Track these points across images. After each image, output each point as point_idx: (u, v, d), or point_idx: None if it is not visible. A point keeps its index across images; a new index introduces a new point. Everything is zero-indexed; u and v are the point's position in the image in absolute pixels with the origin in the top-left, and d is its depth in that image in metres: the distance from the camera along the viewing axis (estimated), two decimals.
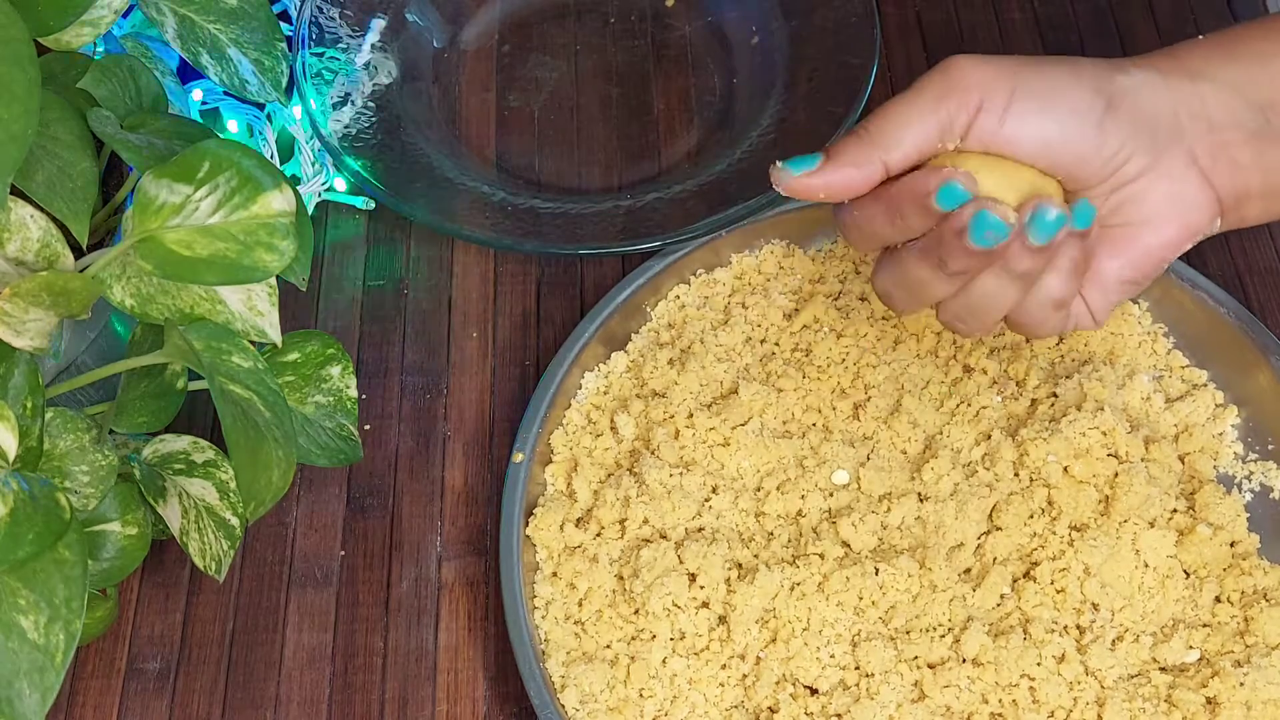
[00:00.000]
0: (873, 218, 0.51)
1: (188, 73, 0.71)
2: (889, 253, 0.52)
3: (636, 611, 0.57)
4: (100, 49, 0.63)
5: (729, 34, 0.78)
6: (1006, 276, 0.49)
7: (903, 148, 0.49)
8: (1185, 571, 0.58)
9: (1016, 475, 0.60)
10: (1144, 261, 0.52)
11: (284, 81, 0.59)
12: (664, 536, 0.59)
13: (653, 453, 0.61)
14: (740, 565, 0.58)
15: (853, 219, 0.52)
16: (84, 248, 0.50)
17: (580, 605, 0.58)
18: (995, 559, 0.58)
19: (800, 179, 0.51)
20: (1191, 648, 0.56)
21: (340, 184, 0.73)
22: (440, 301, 0.70)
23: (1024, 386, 0.63)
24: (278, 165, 0.67)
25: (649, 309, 0.67)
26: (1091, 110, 0.49)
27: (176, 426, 0.56)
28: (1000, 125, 0.49)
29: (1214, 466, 0.61)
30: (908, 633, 0.56)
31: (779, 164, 0.51)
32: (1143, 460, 0.60)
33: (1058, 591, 0.57)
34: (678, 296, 0.67)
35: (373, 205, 0.73)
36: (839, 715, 0.55)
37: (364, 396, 0.67)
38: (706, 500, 0.60)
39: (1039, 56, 0.51)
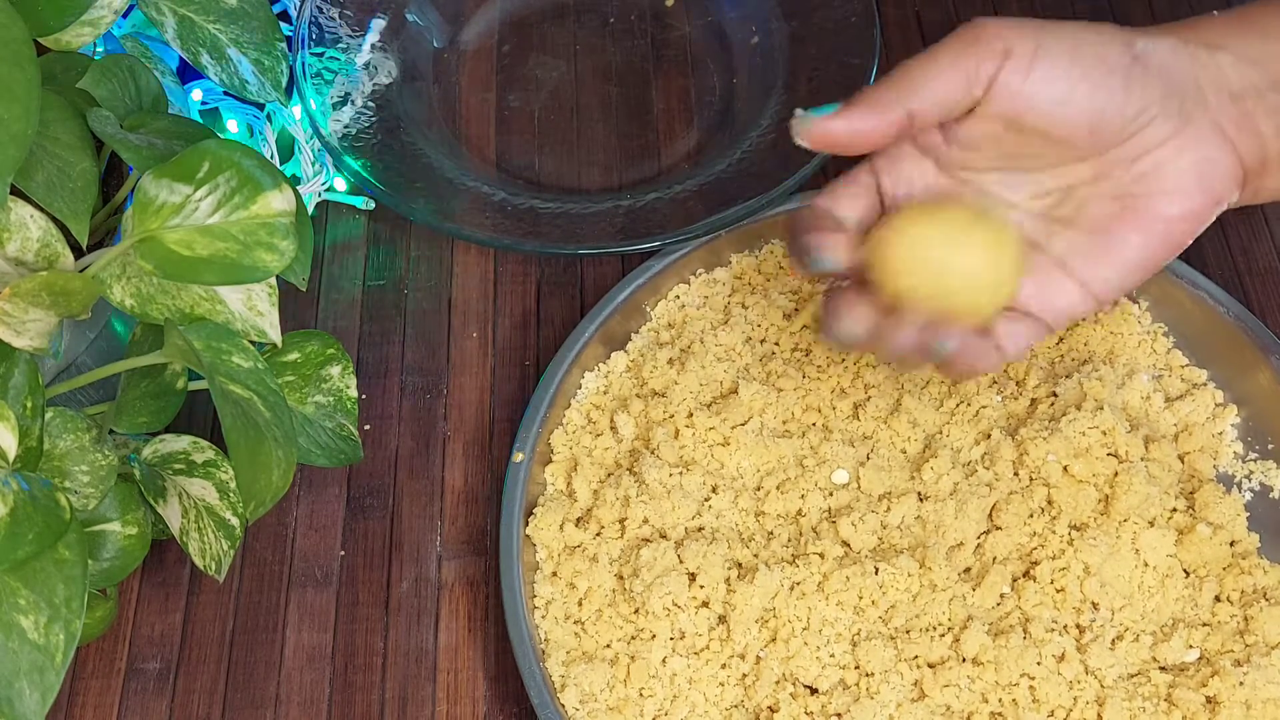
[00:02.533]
0: (864, 342, 0.53)
1: (188, 73, 0.71)
2: (832, 302, 0.54)
3: (636, 611, 0.57)
4: (100, 49, 0.63)
5: (729, 34, 0.78)
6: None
7: (927, 96, 0.49)
8: (1185, 571, 0.58)
9: (1016, 475, 0.60)
10: (1168, 234, 0.51)
11: (284, 81, 0.59)
12: (664, 536, 0.59)
13: (653, 452, 0.61)
14: (740, 565, 0.58)
15: (841, 335, 0.54)
16: (84, 248, 0.50)
17: (580, 605, 0.58)
18: (995, 558, 0.58)
19: (822, 123, 0.50)
20: (1191, 647, 0.56)
21: (340, 184, 0.73)
22: (440, 301, 0.70)
23: (1024, 386, 0.63)
24: (278, 165, 0.67)
25: (649, 309, 0.67)
26: (1118, 64, 0.49)
27: (176, 426, 0.56)
28: (1024, 80, 0.48)
29: (1214, 466, 0.61)
30: (908, 632, 0.56)
31: (799, 112, 0.50)
32: (1142, 460, 0.60)
33: (1058, 591, 0.57)
34: (678, 296, 0.67)
35: (373, 205, 0.73)
36: (839, 715, 0.55)
37: (364, 396, 0.67)
38: (706, 500, 0.60)
39: (1061, 21, 0.50)
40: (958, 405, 0.62)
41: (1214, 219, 0.51)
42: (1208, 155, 0.50)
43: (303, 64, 0.72)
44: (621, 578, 0.58)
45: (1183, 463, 0.61)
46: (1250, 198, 0.52)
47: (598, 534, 0.60)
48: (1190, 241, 0.51)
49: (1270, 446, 0.62)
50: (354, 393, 0.58)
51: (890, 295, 0.51)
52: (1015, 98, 0.49)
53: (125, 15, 0.68)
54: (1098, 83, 0.49)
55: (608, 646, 0.57)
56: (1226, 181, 0.50)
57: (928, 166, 0.53)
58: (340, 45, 0.74)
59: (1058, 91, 0.49)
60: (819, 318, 0.55)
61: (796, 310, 0.65)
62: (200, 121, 0.65)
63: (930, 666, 0.56)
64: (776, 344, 0.65)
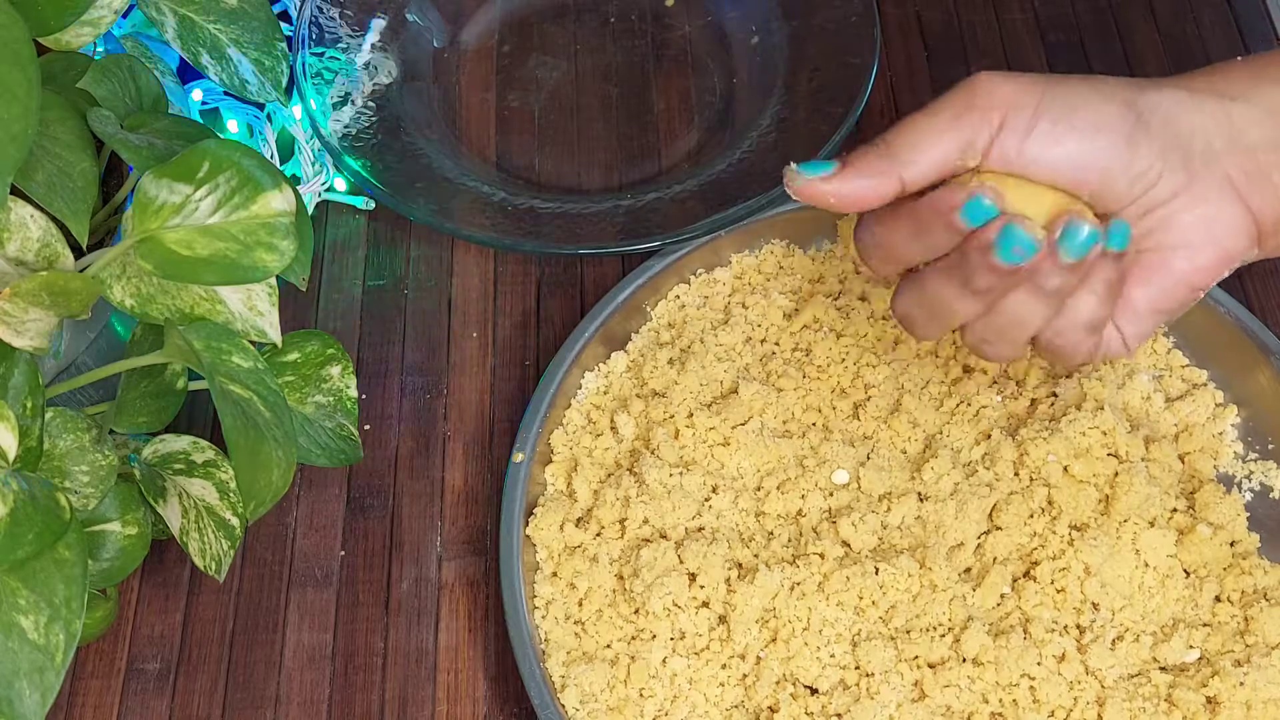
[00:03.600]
0: (895, 235, 0.49)
1: (188, 73, 0.71)
2: (909, 275, 0.51)
3: (636, 611, 0.57)
4: (100, 49, 0.63)
5: (729, 34, 0.78)
6: (1036, 295, 0.48)
7: (921, 163, 0.48)
8: (1185, 571, 0.58)
9: (1016, 475, 0.60)
10: (1177, 289, 0.50)
11: (284, 81, 0.59)
12: (664, 536, 0.59)
13: (653, 452, 0.61)
14: (740, 565, 0.58)
15: (873, 238, 0.50)
16: (84, 248, 0.50)
17: (580, 605, 0.58)
18: (995, 559, 0.58)
19: (813, 183, 0.49)
20: (1191, 647, 0.56)
21: (340, 184, 0.73)
22: (440, 301, 0.70)
23: (1024, 386, 0.63)
24: (278, 165, 0.67)
25: (649, 309, 0.67)
26: (1120, 125, 0.47)
27: (176, 426, 0.56)
28: (1023, 144, 0.47)
29: (1214, 466, 0.61)
30: (908, 632, 0.56)
31: (792, 166, 0.49)
32: (1143, 460, 0.60)
33: (1058, 591, 0.57)
34: (678, 296, 0.67)
35: (373, 205, 0.73)
36: (839, 715, 0.55)
37: (364, 396, 0.67)
38: (706, 500, 0.60)
39: (1064, 75, 0.49)
40: (958, 405, 0.62)
41: (1229, 273, 0.50)
42: (1216, 211, 0.48)
43: (303, 64, 0.72)
44: (622, 578, 0.58)
45: (1183, 463, 0.61)
46: (1273, 251, 0.50)
47: (598, 534, 0.60)
48: (1201, 294, 0.50)
49: (1270, 446, 0.62)
50: (354, 393, 0.58)
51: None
52: (1011, 163, 0.47)
53: (125, 15, 0.68)
54: (1100, 144, 0.47)
55: (608, 647, 0.57)
56: (1238, 237, 0.49)
57: None
58: (340, 45, 0.74)
59: (1057, 155, 0.47)
60: (858, 247, 0.51)
61: (797, 310, 0.65)
62: (200, 121, 0.65)
63: (930, 667, 0.56)
64: (776, 344, 0.65)
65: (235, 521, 0.54)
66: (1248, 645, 0.56)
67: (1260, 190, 0.49)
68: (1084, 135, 0.47)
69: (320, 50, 0.73)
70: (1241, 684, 0.54)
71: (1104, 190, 0.48)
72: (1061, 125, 0.47)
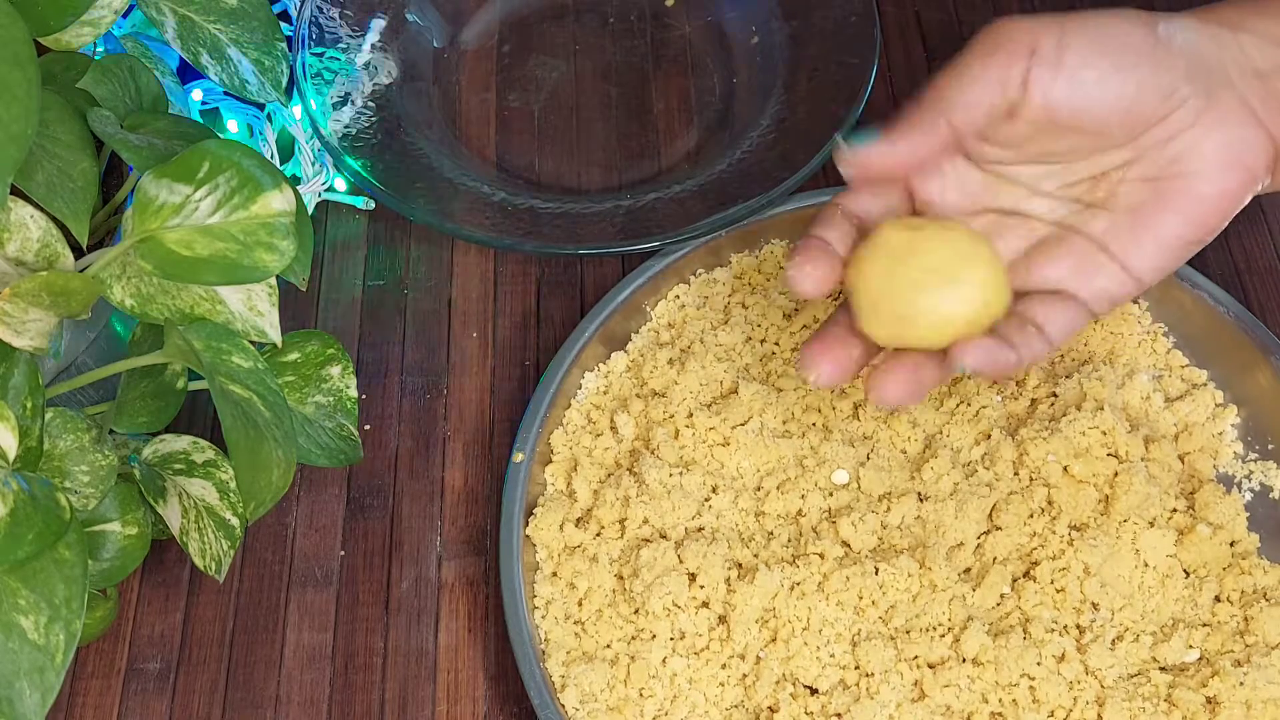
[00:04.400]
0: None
1: (188, 73, 0.71)
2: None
3: (636, 611, 0.57)
4: (100, 49, 0.63)
5: (729, 34, 0.78)
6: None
7: (965, 105, 0.49)
8: (1185, 571, 0.58)
9: (1016, 475, 0.60)
10: (1205, 214, 0.50)
11: (284, 81, 0.59)
12: (664, 536, 0.59)
13: (653, 452, 0.61)
14: (740, 565, 0.58)
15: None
16: (84, 248, 0.50)
17: (580, 605, 0.58)
18: (995, 558, 0.58)
19: (869, 152, 0.50)
20: (1191, 647, 0.56)
21: (340, 184, 0.73)
22: (440, 301, 0.70)
23: (1024, 386, 0.63)
24: (278, 165, 0.67)
25: (649, 309, 0.67)
26: (1143, 47, 0.49)
27: (176, 426, 0.56)
28: (1056, 72, 0.48)
29: (1214, 466, 0.61)
30: (908, 632, 0.56)
31: (840, 142, 0.50)
32: (1142, 460, 0.60)
33: (1058, 591, 0.57)
34: (678, 296, 0.67)
35: (373, 205, 0.73)
36: (839, 715, 0.55)
37: (364, 396, 0.67)
38: (706, 500, 0.60)
39: (1078, 11, 0.50)
40: (958, 405, 0.62)
41: (1249, 198, 0.51)
42: (1238, 132, 0.49)
43: (303, 64, 0.72)
44: (621, 578, 0.58)
45: (1183, 463, 0.61)
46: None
47: (598, 534, 0.60)
48: (1226, 222, 0.51)
49: (1270, 446, 0.62)
50: (354, 393, 0.58)
51: (865, 321, 0.51)
52: (1048, 93, 0.49)
53: (125, 15, 0.68)
54: (1127, 68, 0.49)
55: (608, 646, 0.57)
56: (1259, 158, 0.50)
57: (961, 162, 0.53)
58: (340, 45, 0.74)
59: (1089, 81, 0.49)
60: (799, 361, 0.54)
61: (796, 310, 0.65)
62: (200, 121, 0.65)
63: (930, 666, 0.56)
64: (776, 344, 0.65)
65: (235, 521, 0.54)
66: (1247, 645, 0.56)
67: (1276, 115, 0.49)
68: (1111, 60, 0.49)
69: (320, 50, 0.73)
70: (1241, 684, 0.54)
71: (1135, 108, 0.49)
72: (1088, 52, 0.49)
